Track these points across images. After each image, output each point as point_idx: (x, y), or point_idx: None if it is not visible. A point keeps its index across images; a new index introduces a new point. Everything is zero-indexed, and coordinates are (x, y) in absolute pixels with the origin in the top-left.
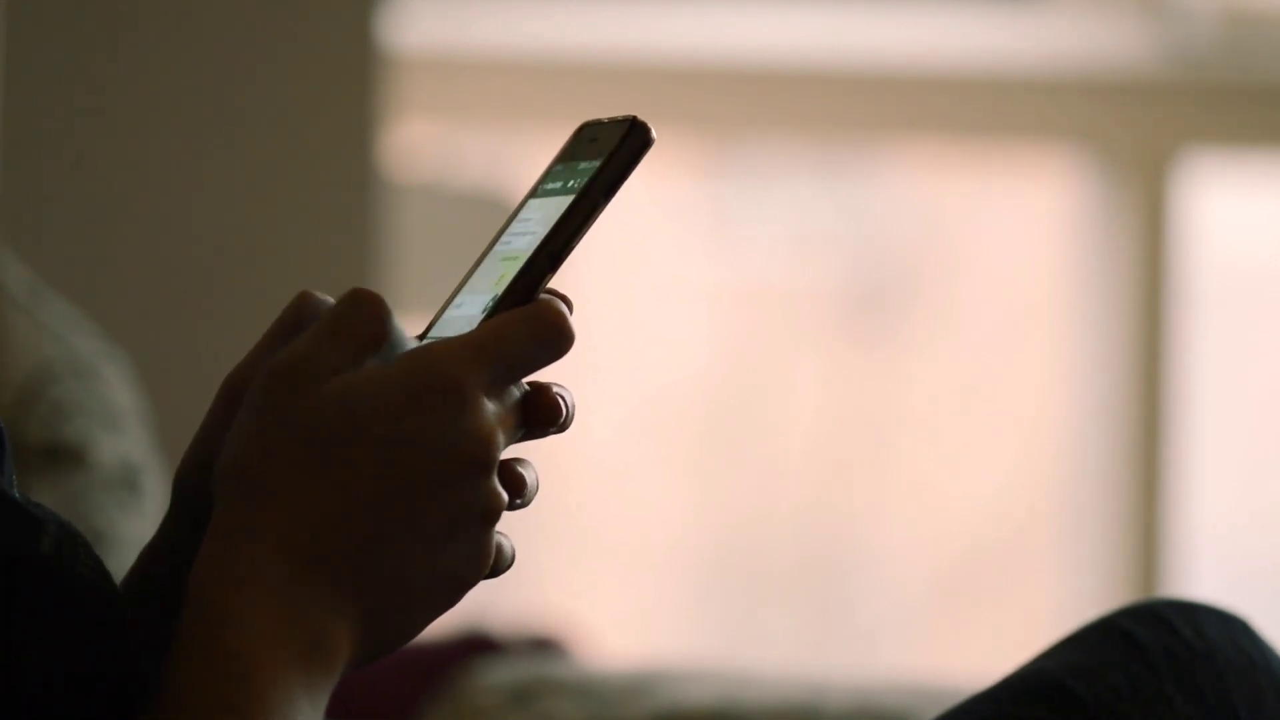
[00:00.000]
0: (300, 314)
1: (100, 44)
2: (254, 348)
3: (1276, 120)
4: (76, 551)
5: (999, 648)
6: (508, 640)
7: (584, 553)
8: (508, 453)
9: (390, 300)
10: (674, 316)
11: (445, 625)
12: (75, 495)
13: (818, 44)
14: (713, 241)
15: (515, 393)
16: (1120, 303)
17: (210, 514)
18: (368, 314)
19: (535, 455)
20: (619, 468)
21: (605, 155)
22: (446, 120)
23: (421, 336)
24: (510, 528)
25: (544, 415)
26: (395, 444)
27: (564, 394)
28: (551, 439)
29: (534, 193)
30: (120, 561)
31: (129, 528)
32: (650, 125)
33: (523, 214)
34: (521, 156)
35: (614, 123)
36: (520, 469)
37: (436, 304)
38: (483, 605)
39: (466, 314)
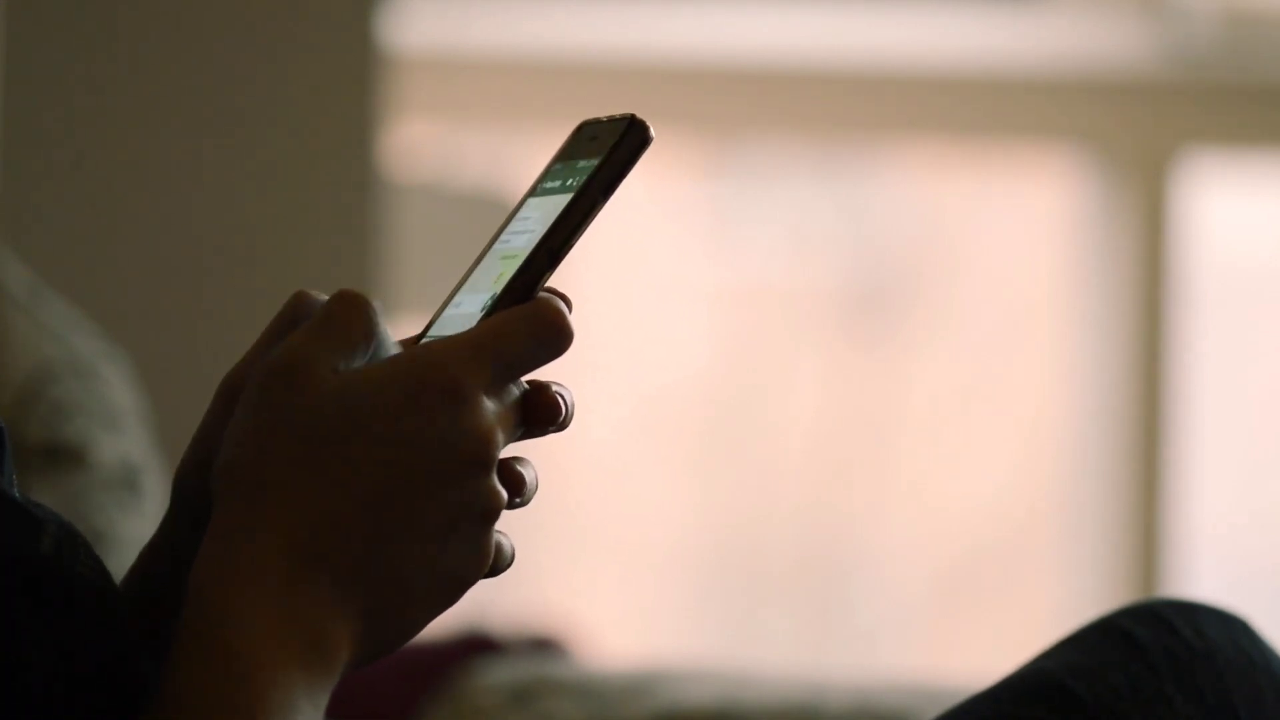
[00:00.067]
0: (297, 313)
1: (100, 44)
2: (252, 347)
3: (1276, 120)
4: (76, 551)
5: (999, 648)
6: (508, 640)
7: (584, 552)
8: (507, 451)
9: (389, 300)
10: (674, 316)
11: (445, 625)
12: (75, 495)
13: (818, 44)
14: (713, 241)
15: (514, 391)
16: (1120, 303)
17: (210, 513)
18: (357, 313)
19: (535, 454)
20: (618, 467)
21: (604, 154)
22: (446, 120)
23: (421, 335)
24: (510, 527)
25: (543, 414)
26: (394, 443)
27: (563, 393)
28: (551, 438)
29: (533, 191)
30: (120, 561)
31: (129, 528)
32: (649, 123)
33: (522, 212)
34: (521, 156)
35: (612, 121)
36: (519, 468)
37: (436, 304)
38: (483, 605)
39: (466, 312)
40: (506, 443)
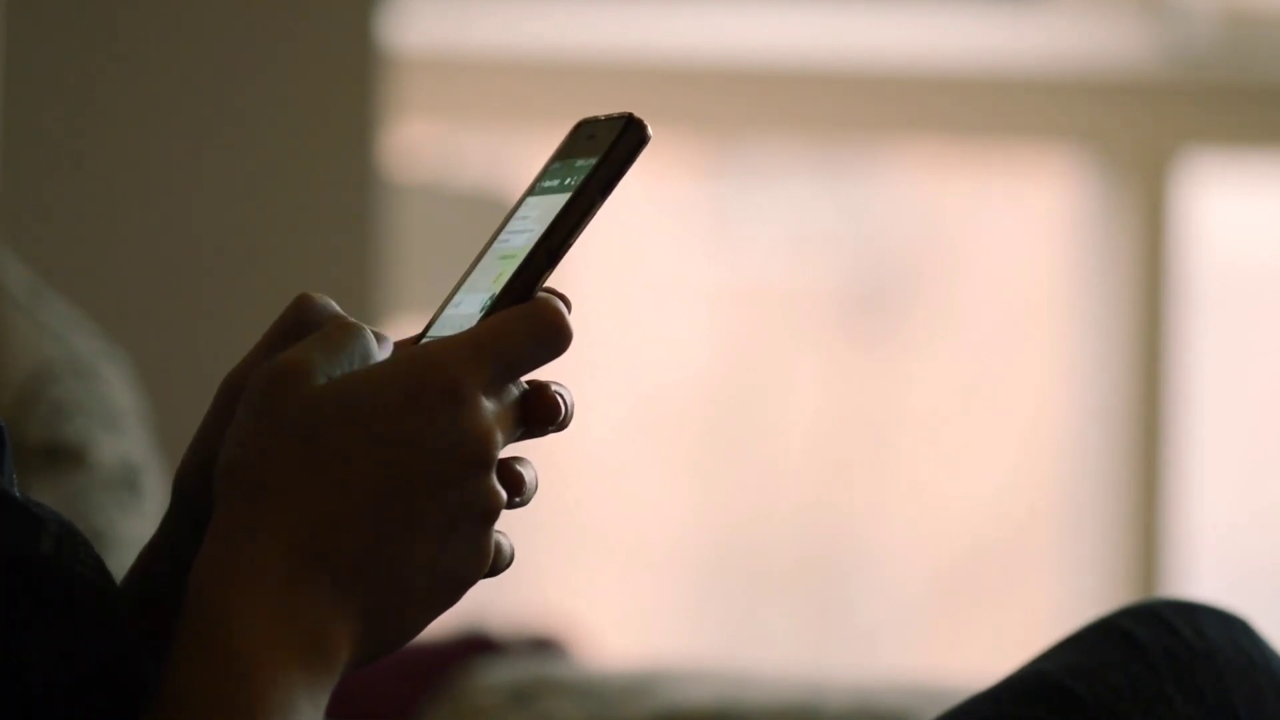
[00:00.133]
0: (300, 316)
1: (100, 44)
2: (253, 349)
3: (1276, 120)
4: (76, 551)
5: (999, 648)
6: (508, 640)
7: (583, 552)
8: (507, 451)
9: (389, 300)
10: (674, 316)
11: (445, 625)
12: (75, 495)
13: (818, 44)
14: (713, 241)
15: (514, 391)
16: (1120, 303)
17: (210, 514)
18: (352, 335)
19: (534, 454)
20: (618, 467)
21: (602, 152)
22: (446, 120)
23: (421, 335)
24: (510, 527)
25: (543, 414)
26: (394, 443)
27: (563, 392)
28: (550, 437)
29: (532, 190)
30: (120, 561)
31: (129, 528)
32: (646, 122)
33: (520, 212)
34: (521, 156)
35: (610, 120)
36: (519, 468)
37: (436, 304)
38: (483, 605)
39: (465, 312)
40: (506, 443)
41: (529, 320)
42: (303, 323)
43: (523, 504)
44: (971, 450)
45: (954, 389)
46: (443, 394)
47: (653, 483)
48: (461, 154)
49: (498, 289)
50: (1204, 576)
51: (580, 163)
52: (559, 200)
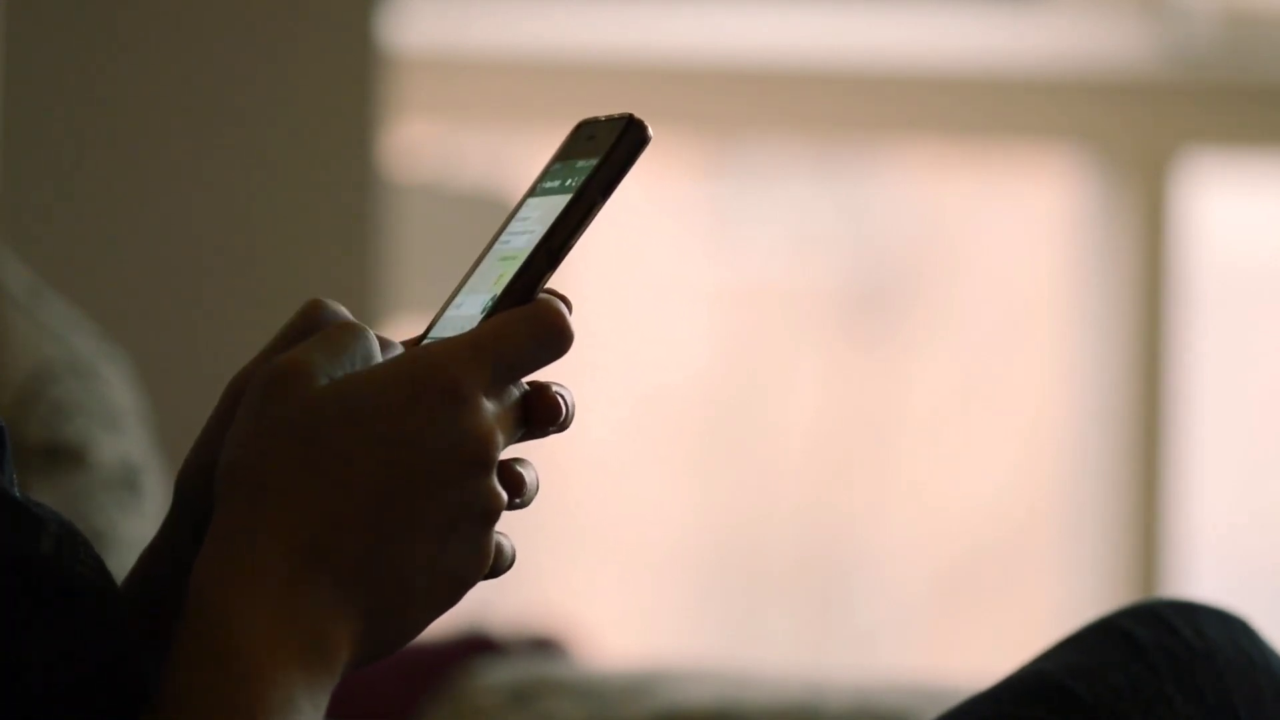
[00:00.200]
0: (309, 321)
1: (100, 44)
2: (261, 352)
3: (1276, 120)
4: (77, 550)
5: (999, 648)
6: (508, 640)
7: (583, 553)
8: (507, 452)
9: (389, 300)
10: (674, 316)
11: (445, 625)
12: (75, 495)
13: (818, 44)
14: (713, 241)
15: (515, 392)
16: (1120, 303)
17: (210, 516)
18: (354, 336)
19: (535, 455)
20: (618, 467)
21: (602, 153)
22: (446, 120)
23: (422, 336)
24: (510, 527)
25: (544, 414)
26: (395, 443)
27: (564, 393)
28: (551, 438)
29: (532, 191)
30: (120, 561)
31: (129, 528)
32: (647, 123)
33: (521, 213)
34: (521, 156)
35: (610, 121)
36: (520, 468)
37: (436, 304)
38: (483, 605)
39: (466, 314)
40: (507, 444)
41: (530, 322)
42: (312, 329)
43: (523, 505)
44: (971, 450)
45: (954, 389)
46: (443, 395)
47: (653, 483)
48: (461, 154)
49: (499, 290)
50: (1204, 576)
51: (581, 164)
52: (560, 201)
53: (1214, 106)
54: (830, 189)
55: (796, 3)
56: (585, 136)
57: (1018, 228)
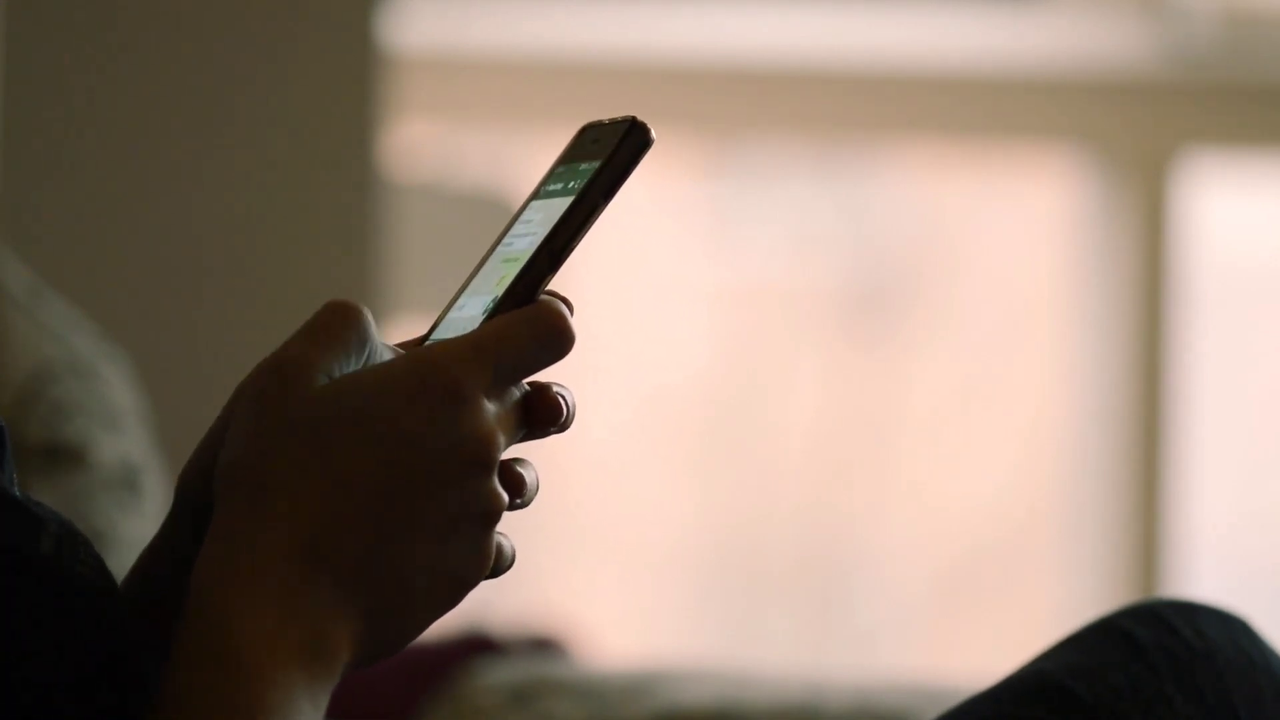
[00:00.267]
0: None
1: (100, 44)
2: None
3: (1276, 120)
4: (77, 550)
5: (999, 648)
6: (508, 640)
7: (584, 553)
8: (507, 452)
9: (389, 300)
10: (674, 316)
11: (445, 625)
12: (75, 495)
13: (818, 44)
14: (713, 241)
15: (515, 393)
16: (1120, 303)
17: (211, 517)
18: (348, 320)
19: (535, 455)
20: (619, 467)
21: (605, 156)
22: (446, 120)
23: (424, 338)
24: (510, 528)
25: (545, 415)
26: (396, 444)
27: (564, 394)
28: (550, 438)
29: (536, 194)
30: (120, 561)
31: (129, 528)
32: (650, 126)
33: (525, 215)
34: (521, 156)
35: (613, 123)
36: (520, 469)
37: (436, 304)
38: (483, 605)
39: (468, 315)
40: (508, 444)
41: (531, 323)
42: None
43: (523, 505)
44: (971, 450)
45: (954, 389)
46: (444, 395)
47: (653, 483)
48: (461, 154)
49: (500, 291)
50: (1204, 576)
51: (584, 166)
52: (562, 204)
53: (1214, 106)
54: (830, 189)
55: (796, 3)
56: (589, 139)
57: (1018, 228)
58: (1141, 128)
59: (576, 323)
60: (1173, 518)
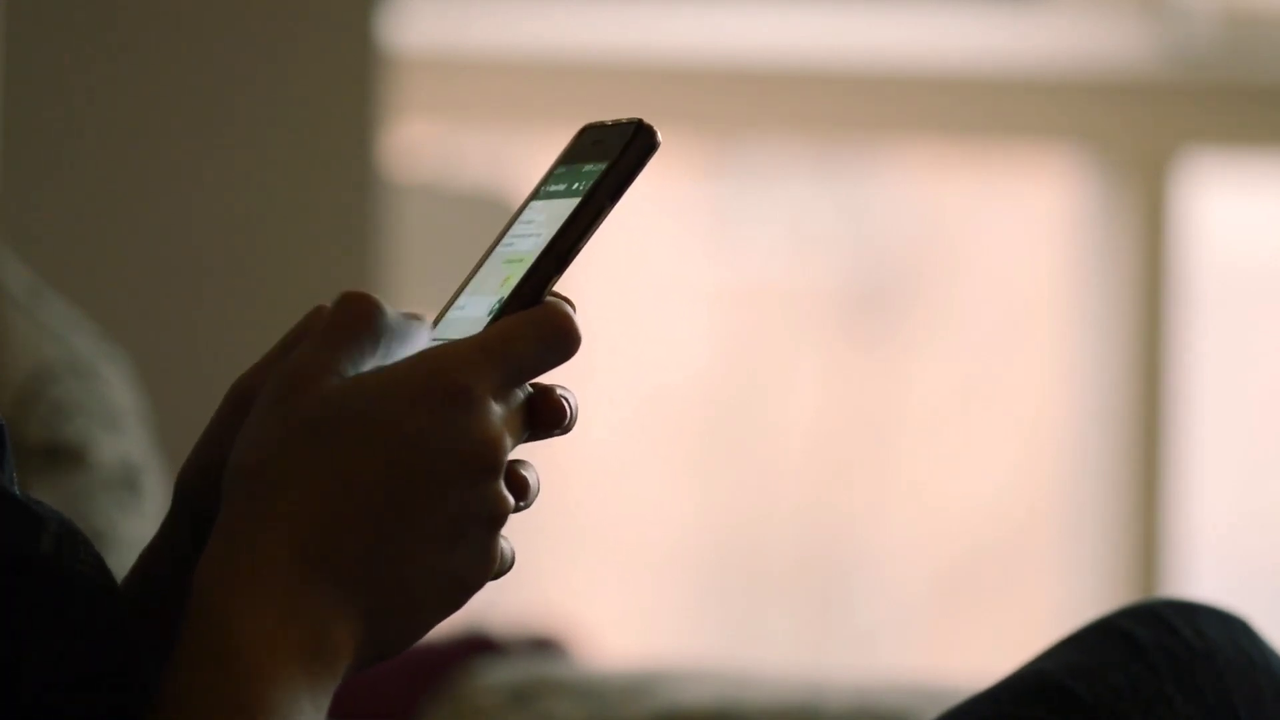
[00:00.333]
0: (312, 328)
1: (100, 44)
2: (264, 356)
3: (1276, 120)
4: (77, 549)
5: (999, 648)
6: (508, 640)
7: (584, 553)
8: (511, 455)
9: (389, 300)
10: (674, 316)
11: (445, 625)
12: (75, 495)
13: (818, 44)
14: (713, 241)
15: (520, 395)
16: (1120, 303)
17: (211, 517)
18: (362, 315)
19: (534, 455)
20: (619, 468)
21: (612, 158)
22: (446, 120)
23: None
24: (509, 528)
25: (549, 418)
26: (402, 446)
27: (568, 396)
28: (551, 438)
29: (536, 195)
30: (120, 561)
31: (129, 528)
32: (656, 128)
33: (525, 216)
34: (522, 156)
35: (618, 125)
36: (523, 471)
37: (436, 304)
38: (483, 605)
39: (471, 315)
40: (513, 447)
41: (538, 325)
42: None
43: (525, 508)
44: (971, 450)
45: (954, 389)
46: (452, 398)
47: (653, 483)
48: (461, 154)
49: (506, 293)
50: (1204, 576)
51: (588, 168)
52: (567, 205)
53: (1214, 106)
54: (830, 189)
55: (796, 3)
56: (591, 140)
57: (1018, 228)
58: (1141, 128)
59: (579, 323)
60: (1173, 518)
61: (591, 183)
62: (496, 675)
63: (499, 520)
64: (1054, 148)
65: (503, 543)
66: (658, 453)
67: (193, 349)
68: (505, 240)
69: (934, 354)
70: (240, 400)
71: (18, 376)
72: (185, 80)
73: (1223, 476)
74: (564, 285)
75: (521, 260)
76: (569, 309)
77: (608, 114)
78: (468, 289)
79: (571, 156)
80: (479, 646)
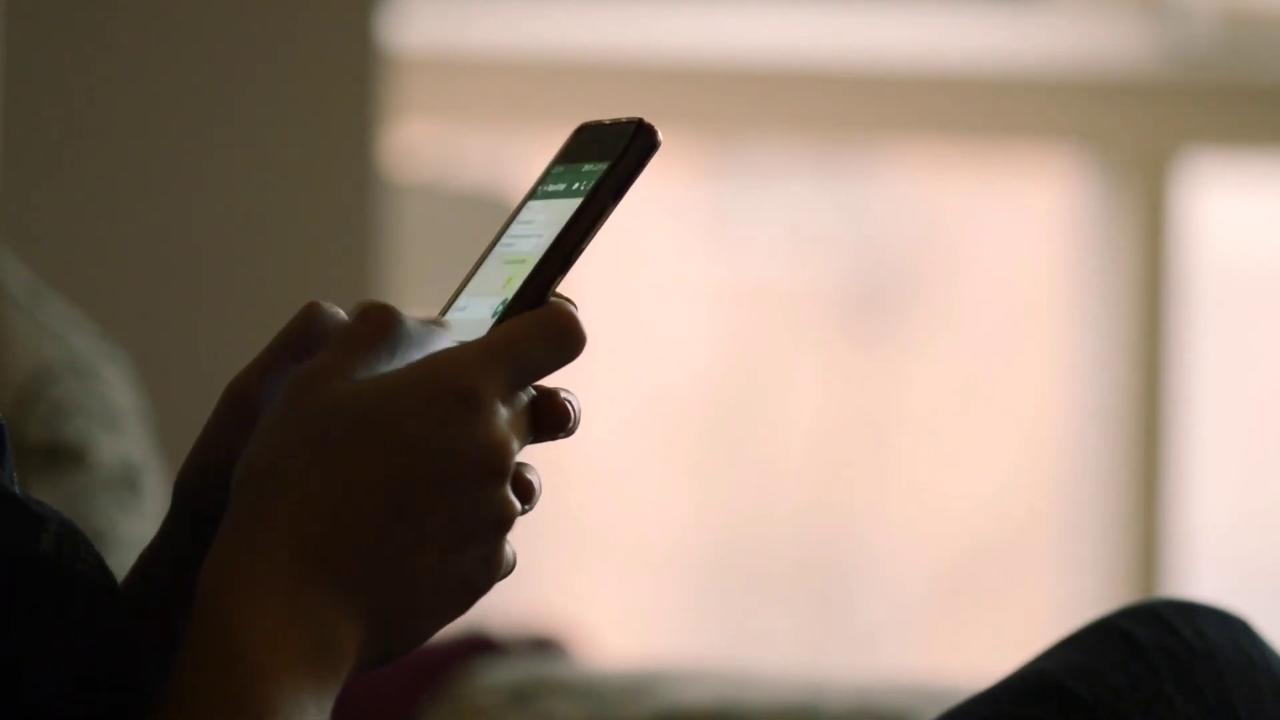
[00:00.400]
0: (307, 325)
1: (100, 44)
2: (259, 355)
3: (1276, 120)
4: (77, 549)
5: (999, 648)
6: (508, 640)
7: (584, 553)
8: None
9: (389, 300)
10: (674, 316)
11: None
12: (75, 495)
13: (818, 44)
14: (713, 241)
15: (524, 399)
16: (1120, 303)
17: (210, 517)
18: (377, 321)
19: (533, 455)
20: (619, 468)
21: (613, 157)
22: (446, 120)
23: None
24: (511, 530)
25: (553, 421)
26: (409, 448)
27: (571, 399)
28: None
29: (533, 195)
30: (120, 561)
31: (129, 528)
32: (657, 127)
33: (523, 216)
34: (521, 156)
35: (617, 124)
36: (528, 475)
37: (436, 304)
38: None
39: (473, 317)
40: (519, 450)
41: (544, 326)
42: (309, 332)
43: (529, 511)
44: (971, 450)
45: (954, 389)
46: (459, 401)
47: (653, 483)
48: (461, 154)
49: (509, 293)
50: (1204, 576)
51: (588, 167)
52: (568, 205)
53: (1214, 106)
54: (830, 189)
55: (796, 3)
56: (589, 140)
57: (1018, 228)
58: (1141, 128)
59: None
60: (1173, 518)
61: (593, 182)
62: (496, 675)
63: (506, 524)
64: (1054, 148)
65: (505, 546)
66: (658, 453)
67: (193, 349)
68: (504, 241)
69: (934, 354)
70: (236, 400)
71: (18, 376)
72: (185, 80)
73: (1223, 476)
74: (564, 285)
75: (523, 261)
76: (574, 309)
77: (607, 114)
78: (467, 290)
79: (569, 156)
80: (479, 646)
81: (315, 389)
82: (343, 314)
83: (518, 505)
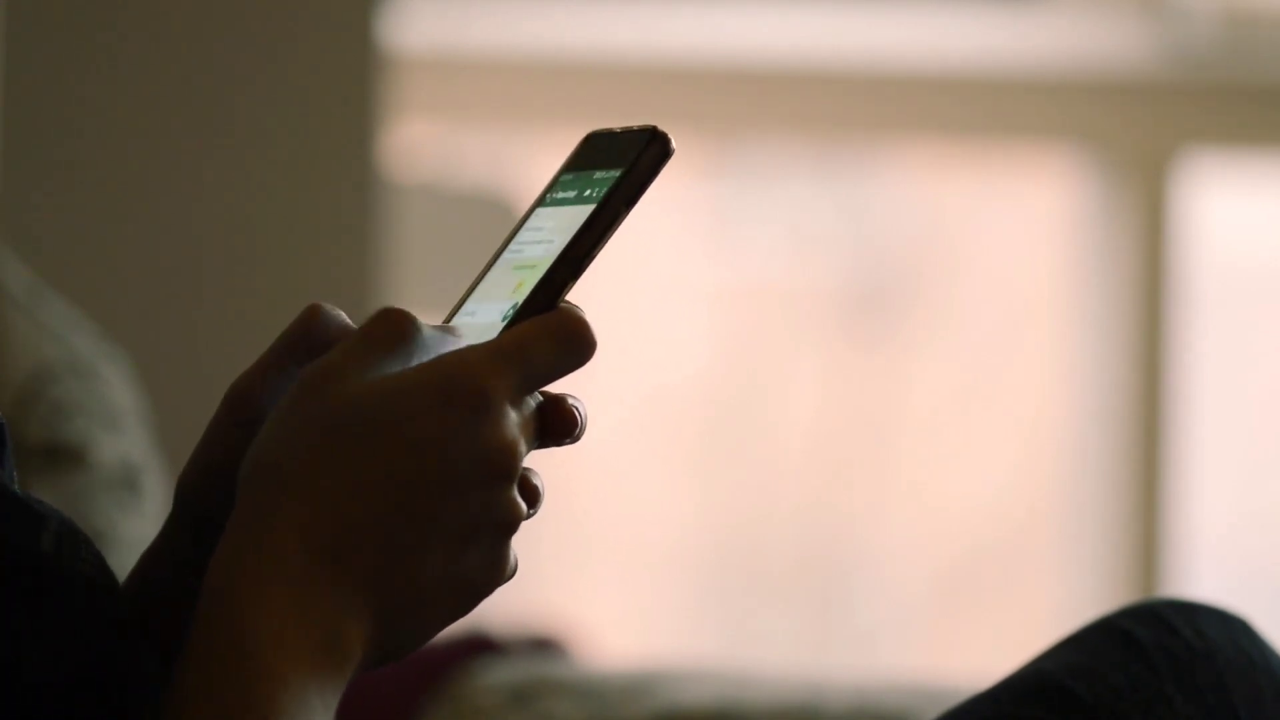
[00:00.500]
0: (309, 326)
1: (100, 44)
2: (260, 357)
3: (1276, 120)
4: (77, 548)
5: (999, 648)
6: (508, 640)
7: (584, 553)
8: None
9: (389, 300)
10: (674, 316)
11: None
12: (75, 495)
13: (818, 44)
14: (713, 241)
15: (531, 403)
16: (1120, 303)
17: (212, 519)
18: (391, 325)
19: (535, 455)
20: (619, 468)
21: (626, 164)
22: (446, 120)
23: None
24: None
25: (560, 426)
26: (418, 448)
27: (578, 405)
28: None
29: (542, 201)
30: (120, 561)
31: (129, 528)
32: (670, 135)
33: (531, 222)
34: (522, 156)
35: (629, 132)
36: (533, 479)
37: (436, 304)
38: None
39: (482, 322)
40: (526, 453)
41: (554, 330)
42: (311, 334)
43: (533, 515)
44: (971, 450)
45: (954, 389)
46: (469, 402)
47: (653, 483)
48: (461, 154)
49: (520, 298)
50: (1204, 576)
51: (600, 175)
52: (580, 212)
53: (1214, 106)
54: (830, 189)
55: (796, 3)
56: (600, 147)
57: (1018, 228)
58: (1141, 128)
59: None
60: (1173, 518)
61: (606, 189)
62: (496, 675)
63: (512, 527)
64: (1054, 148)
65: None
66: (658, 453)
67: (193, 349)
68: (512, 247)
69: (934, 354)
70: (238, 401)
71: (18, 376)
72: (185, 80)
73: (1223, 476)
74: None
75: (534, 266)
76: (583, 314)
77: (608, 114)
78: (475, 295)
79: (579, 164)
80: (479, 646)
81: (325, 388)
82: (344, 316)
83: (524, 508)
